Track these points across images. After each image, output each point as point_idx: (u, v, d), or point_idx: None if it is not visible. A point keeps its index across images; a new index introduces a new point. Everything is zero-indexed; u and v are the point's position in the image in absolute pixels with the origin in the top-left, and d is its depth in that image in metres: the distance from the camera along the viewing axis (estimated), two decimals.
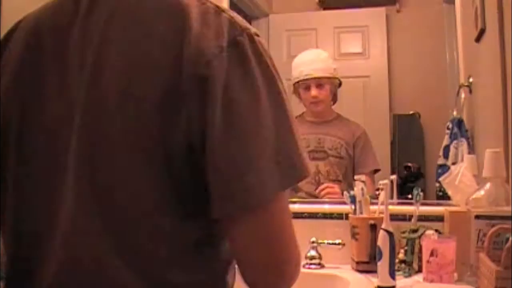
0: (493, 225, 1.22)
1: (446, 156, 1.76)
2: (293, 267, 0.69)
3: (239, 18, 0.68)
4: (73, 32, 0.70)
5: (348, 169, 1.97)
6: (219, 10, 0.68)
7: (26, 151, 0.71)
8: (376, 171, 1.95)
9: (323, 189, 1.90)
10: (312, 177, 1.93)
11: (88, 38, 0.68)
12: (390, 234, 1.30)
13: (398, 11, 2.21)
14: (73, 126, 0.66)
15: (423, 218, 1.54)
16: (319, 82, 1.99)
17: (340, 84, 2.04)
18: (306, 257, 1.56)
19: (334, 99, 2.05)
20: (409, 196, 1.61)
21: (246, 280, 0.68)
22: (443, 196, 1.62)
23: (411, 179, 1.94)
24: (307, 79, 1.98)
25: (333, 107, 2.06)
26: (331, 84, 2.02)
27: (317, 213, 1.70)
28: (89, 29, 0.69)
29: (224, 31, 0.65)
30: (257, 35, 0.68)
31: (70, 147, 0.66)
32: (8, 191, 0.72)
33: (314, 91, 1.98)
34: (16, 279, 0.72)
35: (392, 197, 1.68)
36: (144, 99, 0.63)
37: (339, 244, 1.55)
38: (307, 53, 2.07)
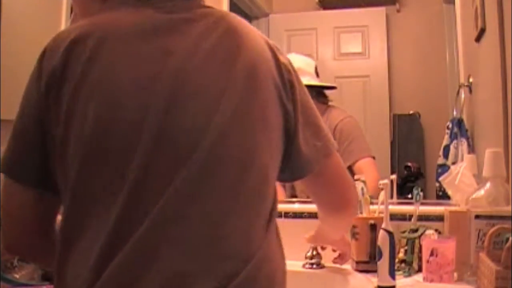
0: (493, 225, 1.22)
1: (446, 156, 1.77)
2: (354, 201, 1.04)
3: None
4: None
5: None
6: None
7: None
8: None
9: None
10: (305, 192, 1.89)
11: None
12: (390, 234, 1.30)
13: (398, 11, 2.21)
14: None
15: (423, 218, 1.54)
16: None
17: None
18: (306, 257, 1.56)
19: None
20: (409, 196, 1.61)
21: (322, 214, 1.07)
22: (443, 196, 1.62)
23: (411, 179, 1.94)
24: None
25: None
26: None
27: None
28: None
29: (284, 55, 0.92)
30: None
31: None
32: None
33: None
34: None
35: (392, 197, 1.68)
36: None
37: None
38: None
